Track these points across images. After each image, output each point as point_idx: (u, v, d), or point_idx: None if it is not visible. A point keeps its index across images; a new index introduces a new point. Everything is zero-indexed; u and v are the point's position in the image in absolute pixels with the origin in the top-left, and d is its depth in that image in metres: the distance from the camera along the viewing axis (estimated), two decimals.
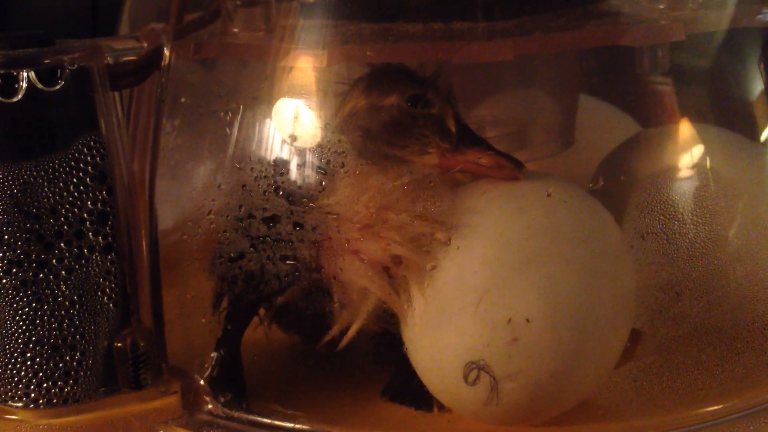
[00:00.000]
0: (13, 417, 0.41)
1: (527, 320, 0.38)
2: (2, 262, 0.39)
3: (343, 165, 0.41)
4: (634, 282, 0.41)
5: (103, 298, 0.41)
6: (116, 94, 0.42)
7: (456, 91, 0.43)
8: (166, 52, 0.43)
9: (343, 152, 0.42)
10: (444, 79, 0.42)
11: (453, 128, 0.41)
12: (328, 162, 0.41)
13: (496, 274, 0.39)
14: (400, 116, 0.41)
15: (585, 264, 0.39)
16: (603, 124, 0.51)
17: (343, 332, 0.41)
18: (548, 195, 0.40)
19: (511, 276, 0.39)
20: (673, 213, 0.42)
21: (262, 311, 0.43)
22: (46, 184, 0.39)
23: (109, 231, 0.41)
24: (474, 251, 0.39)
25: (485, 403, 0.39)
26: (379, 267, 0.40)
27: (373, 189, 0.40)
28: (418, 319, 0.40)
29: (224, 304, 0.43)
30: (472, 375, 0.39)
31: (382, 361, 0.43)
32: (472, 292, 0.39)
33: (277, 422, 0.42)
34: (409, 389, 0.42)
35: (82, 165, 0.40)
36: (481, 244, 0.39)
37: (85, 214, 0.40)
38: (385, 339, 0.41)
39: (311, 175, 0.42)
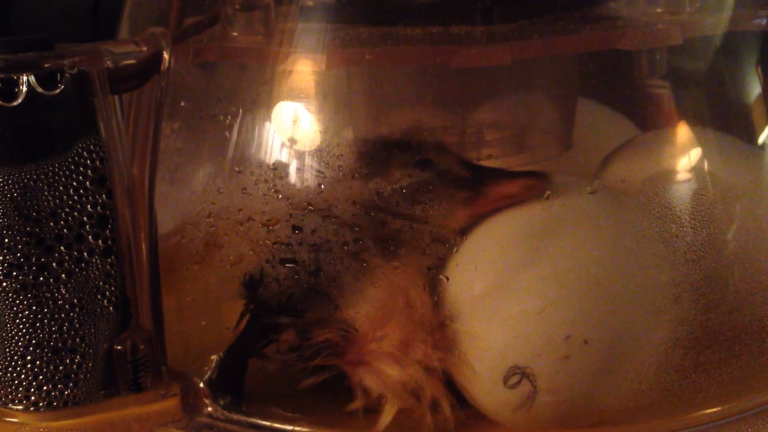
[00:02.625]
0: (13, 420, 0.41)
1: (585, 341, 0.38)
2: (2, 265, 0.40)
3: (340, 167, 0.42)
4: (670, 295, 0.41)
5: (103, 302, 0.41)
6: (116, 97, 0.42)
7: (455, 96, 0.43)
8: (166, 56, 0.43)
9: (341, 155, 0.42)
10: (427, 134, 0.42)
11: (466, 173, 0.41)
12: (327, 165, 0.42)
13: (566, 289, 0.39)
14: (414, 186, 0.41)
15: (648, 293, 0.40)
16: (601, 127, 0.51)
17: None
18: (592, 192, 0.40)
19: (580, 294, 0.39)
20: (671, 216, 0.42)
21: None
22: (46, 187, 0.39)
23: (108, 234, 0.41)
24: (547, 261, 0.39)
25: (515, 408, 0.39)
26: (400, 386, 0.40)
27: (395, 315, 0.40)
28: (474, 309, 0.40)
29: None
30: (514, 379, 0.39)
31: None
32: (537, 299, 0.39)
33: (276, 425, 0.42)
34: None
35: (81, 168, 0.40)
36: (557, 254, 0.39)
37: (85, 218, 0.40)
38: None
39: (310, 179, 0.42)
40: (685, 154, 0.45)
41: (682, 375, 0.41)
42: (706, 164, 0.44)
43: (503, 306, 0.40)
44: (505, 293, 0.39)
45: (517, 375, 0.39)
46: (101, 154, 0.41)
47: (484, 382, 0.40)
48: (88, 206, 0.40)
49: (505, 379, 0.39)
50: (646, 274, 0.41)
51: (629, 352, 0.40)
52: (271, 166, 0.43)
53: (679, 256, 0.41)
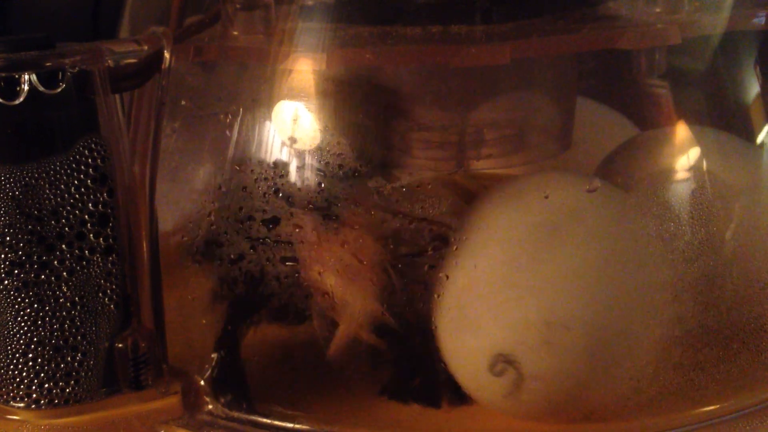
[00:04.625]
0: (14, 417, 0.41)
1: (566, 327, 0.39)
2: (4, 263, 0.40)
3: (341, 167, 0.42)
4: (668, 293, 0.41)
5: (104, 300, 0.41)
6: (117, 96, 0.42)
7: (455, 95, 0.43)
8: (167, 55, 0.43)
9: (341, 154, 0.42)
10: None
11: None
12: (327, 164, 0.42)
13: (545, 274, 0.39)
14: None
15: (632, 276, 0.40)
16: (600, 126, 0.52)
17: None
18: (546, 197, 0.41)
19: (560, 280, 0.39)
20: (669, 215, 0.42)
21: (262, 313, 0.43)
22: (47, 186, 0.40)
23: (110, 233, 0.41)
24: (527, 247, 0.40)
25: (505, 396, 0.40)
26: (377, 269, 0.40)
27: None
28: (455, 300, 0.40)
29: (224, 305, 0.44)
30: (499, 367, 0.39)
31: (382, 360, 0.43)
32: (517, 288, 0.39)
33: (277, 422, 0.43)
34: (410, 387, 0.42)
35: (83, 167, 0.40)
36: (535, 240, 0.40)
37: (86, 216, 0.41)
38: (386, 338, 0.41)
39: (311, 177, 0.42)
40: (684, 154, 0.45)
41: (680, 373, 0.41)
42: (704, 163, 0.44)
43: (493, 297, 0.40)
44: (498, 287, 0.40)
45: (502, 363, 0.39)
46: (102, 152, 0.41)
47: (473, 370, 0.40)
48: (90, 204, 0.41)
49: (491, 368, 0.39)
50: (644, 272, 0.41)
51: (627, 350, 0.40)
52: (272, 165, 0.43)
53: (678, 254, 0.42)
